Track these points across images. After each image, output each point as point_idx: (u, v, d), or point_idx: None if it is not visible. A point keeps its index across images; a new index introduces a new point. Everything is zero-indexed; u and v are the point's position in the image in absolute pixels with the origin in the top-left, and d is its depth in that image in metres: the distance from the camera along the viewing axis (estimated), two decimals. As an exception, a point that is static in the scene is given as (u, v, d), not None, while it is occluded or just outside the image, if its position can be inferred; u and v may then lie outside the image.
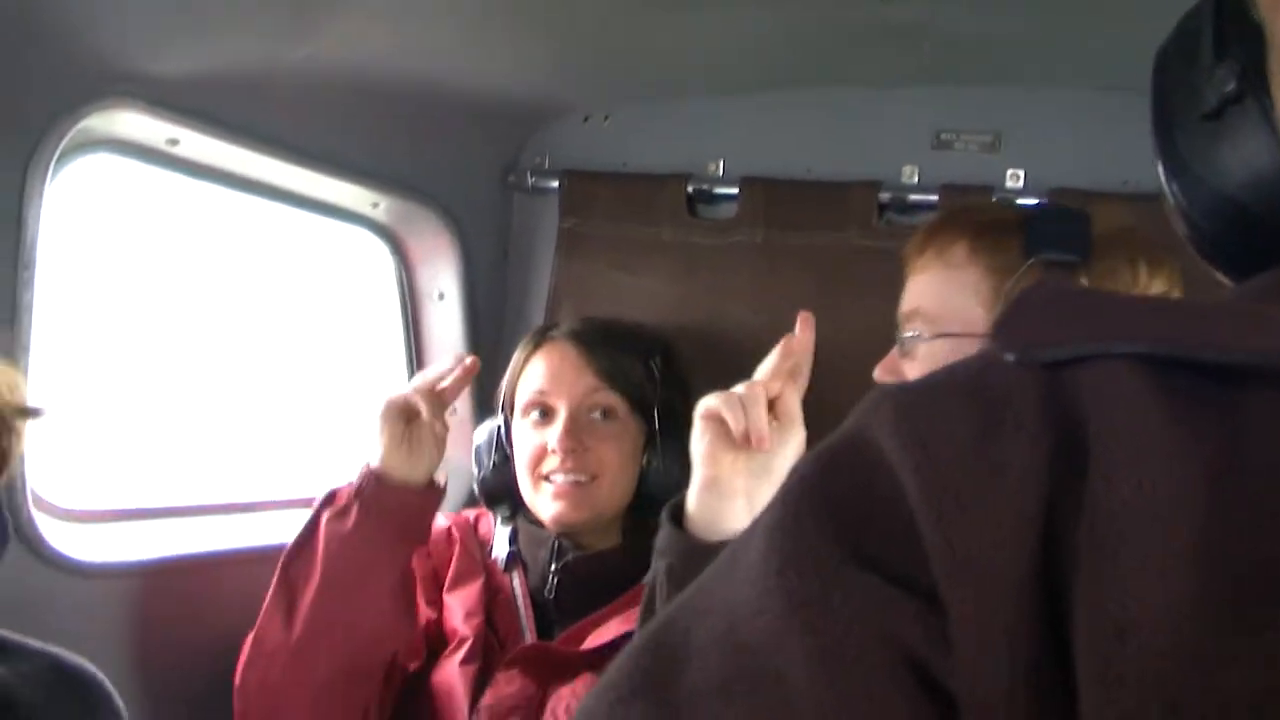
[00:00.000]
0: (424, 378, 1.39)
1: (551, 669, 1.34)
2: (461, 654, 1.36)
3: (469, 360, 1.38)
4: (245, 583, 1.37)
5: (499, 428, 1.51)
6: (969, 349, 1.10)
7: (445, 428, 1.37)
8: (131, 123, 1.20)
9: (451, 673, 1.36)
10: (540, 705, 1.32)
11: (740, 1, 1.34)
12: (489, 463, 1.50)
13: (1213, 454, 0.35)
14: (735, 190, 1.63)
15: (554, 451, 1.40)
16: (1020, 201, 1.56)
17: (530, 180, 1.70)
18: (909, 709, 0.35)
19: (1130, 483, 0.34)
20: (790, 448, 1.11)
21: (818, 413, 1.58)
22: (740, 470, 1.08)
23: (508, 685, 1.33)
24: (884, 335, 1.58)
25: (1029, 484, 0.36)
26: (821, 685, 0.36)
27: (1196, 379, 0.37)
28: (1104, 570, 0.34)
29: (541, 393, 1.44)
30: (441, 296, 1.68)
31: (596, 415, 1.44)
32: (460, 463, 1.70)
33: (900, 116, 1.62)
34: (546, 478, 1.42)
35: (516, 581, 1.44)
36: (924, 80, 1.60)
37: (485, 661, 1.36)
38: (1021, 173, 1.58)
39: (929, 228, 1.19)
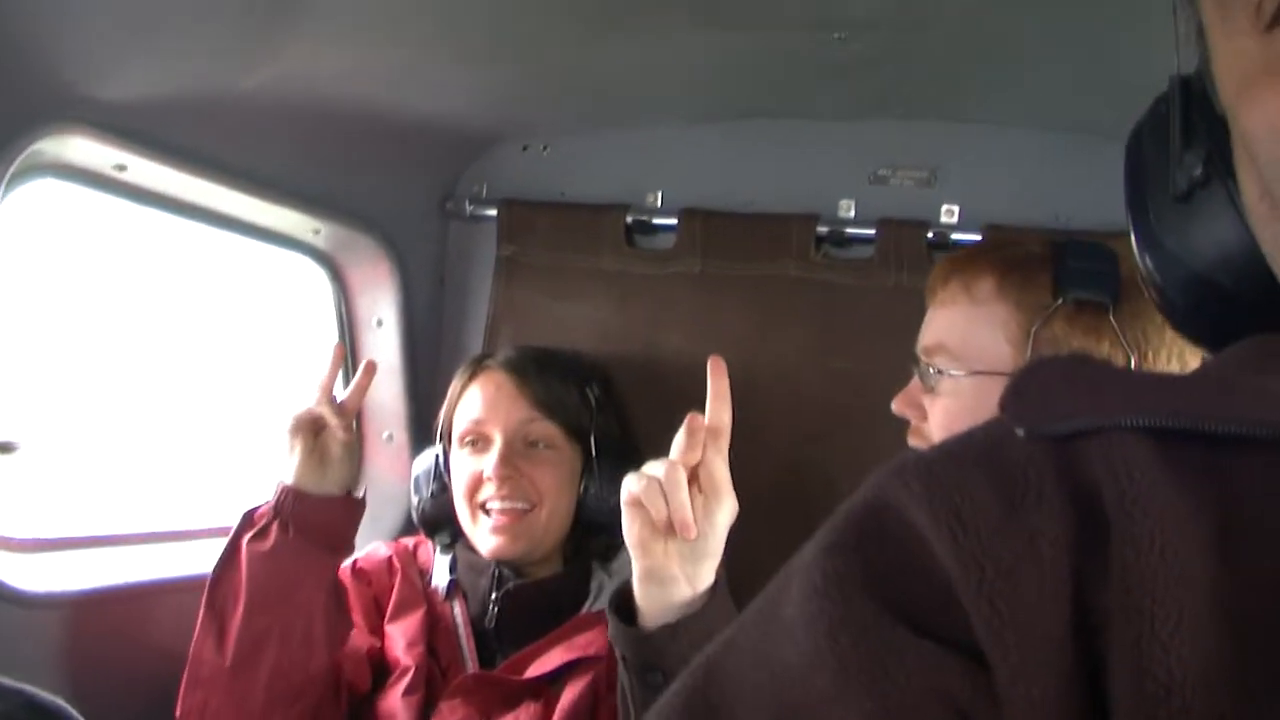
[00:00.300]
0: (321, 388, 1.39)
1: (494, 698, 1.34)
2: (404, 684, 1.35)
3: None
4: (184, 611, 1.35)
5: (437, 457, 1.50)
6: (995, 388, 1.08)
7: (351, 435, 1.38)
8: (81, 148, 1.18)
9: (394, 703, 1.35)
10: None
11: (681, 35, 1.35)
12: (427, 492, 1.50)
13: (1217, 521, 0.38)
14: (674, 221, 1.64)
15: (489, 479, 1.40)
16: (956, 237, 1.58)
17: (468, 208, 1.70)
18: None
19: (1155, 551, 0.37)
20: (721, 520, 1.09)
21: (754, 442, 1.60)
22: (674, 556, 1.06)
23: (451, 715, 1.32)
24: (820, 365, 1.60)
25: (1059, 552, 0.39)
26: None
27: (1193, 449, 0.40)
28: (1142, 632, 0.36)
29: (477, 422, 1.44)
30: (380, 324, 1.67)
31: (532, 443, 1.44)
32: (398, 489, 1.69)
33: (838, 151, 1.63)
34: (484, 508, 1.42)
35: (457, 610, 1.43)
36: (862, 115, 1.61)
37: (428, 691, 1.36)
38: (956, 208, 1.60)
39: (955, 260, 1.18)
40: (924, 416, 1.16)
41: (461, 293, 1.73)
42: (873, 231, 1.59)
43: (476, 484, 1.42)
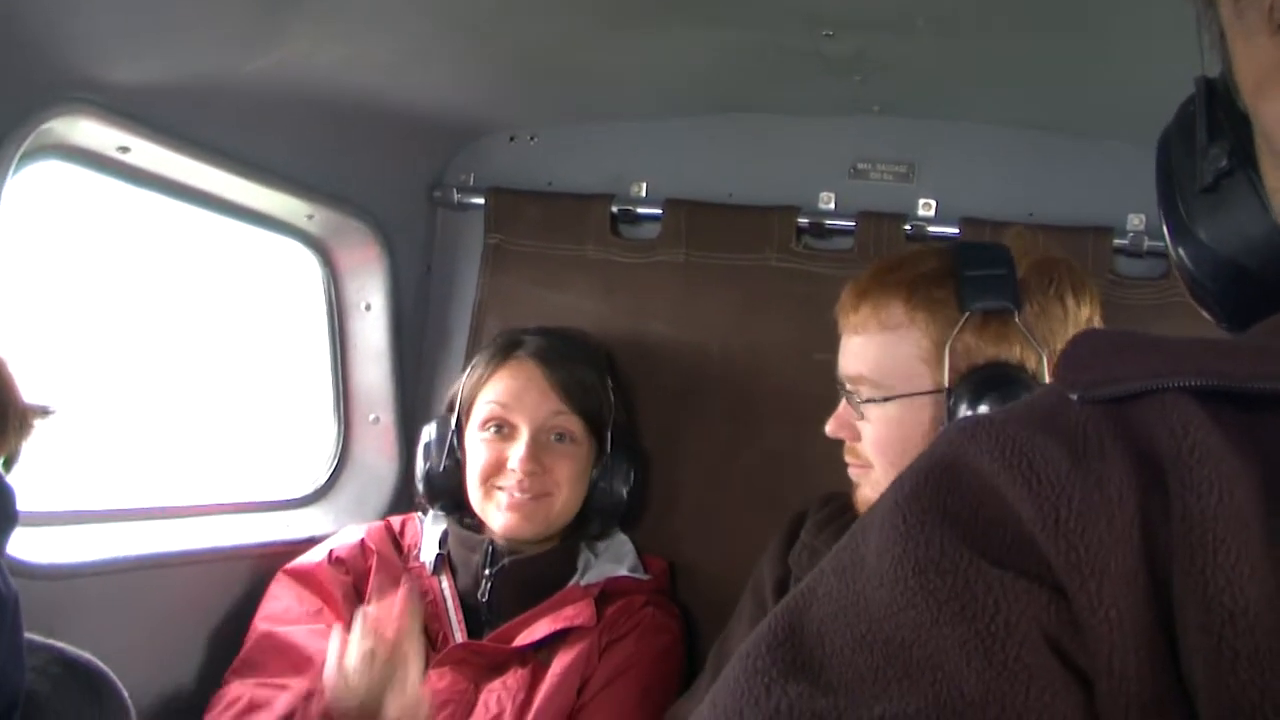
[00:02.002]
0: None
1: (483, 666, 1.39)
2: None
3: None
4: (186, 585, 1.40)
5: (452, 432, 1.53)
6: (920, 406, 1.15)
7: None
8: (87, 129, 1.20)
9: None
10: (472, 699, 1.37)
11: (671, 29, 1.38)
12: (439, 463, 1.53)
13: (1260, 474, 0.42)
14: (658, 211, 1.67)
15: (513, 470, 1.45)
16: (933, 230, 1.62)
17: (456, 196, 1.72)
18: (1059, 679, 0.41)
19: (1214, 496, 0.41)
20: None
21: (736, 428, 1.64)
22: None
23: (439, 681, 1.36)
24: (799, 351, 1.64)
25: (1126, 495, 0.43)
26: (980, 664, 0.41)
27: (1236, 408, 0.45)
28: (1207, 565, 0.40)
29: (505, 408, 1.48)
30: (368, 308, 1.69)
31: (556, 436, 1.49)
32: (384, 471, 1.72)
33: (819, 145, 1.67)
34: (498, 489, 1.47)
35: (445, 584, 1.47)
36: (843, 110, 1.65)
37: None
38: (933, 202, 1.65)
39: (860, 287, 1.20)
40: (857, 437, 1.20)
41: (448, 279, 1.76)
42: (852, 224, 1.63)
43: (496, 469, 1.47)
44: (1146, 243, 1.58)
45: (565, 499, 1.50)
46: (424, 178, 1.73)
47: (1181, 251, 0.59)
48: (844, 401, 1.22)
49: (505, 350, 1.52)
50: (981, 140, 1.65)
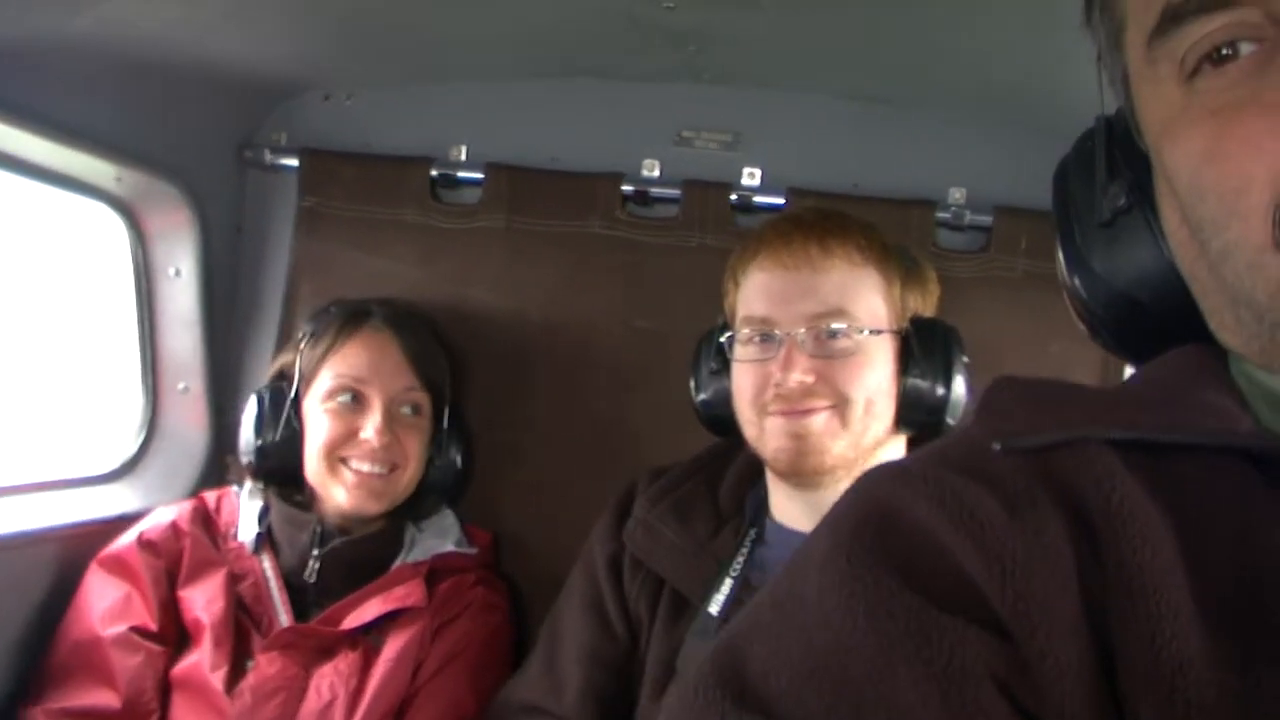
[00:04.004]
0: None
1: (313, 649, 1.34)
2: (209, 641, 1.33)
3: None
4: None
5: (289, 401, 1.46)
6: (884, 347, 1.17)
7: None
8: None
9: (202, 661, 1.33)
10: (303, 685, 1.32)
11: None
12: (273, 436, 1.45)
13: (1174, 522, 0.44)
14: (480, 176, 1.63)
15: (367, 440, 1.41)
16: (759, 200, 1.61)
17: (268, 157, 1.65)
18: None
19: (1148, 550, 0.44)
20: None
21: (562, 395, 1.62)
22: None
23: (269, 666, 1.32)
24: (625, 322, 1.62)
25: (1061, 545, 0.45)
26: (936, 705, 0.42)
27: (1145, 455, 0.47)
28: (1151, 615, 0.42)
29: (358, 380, 1.44)
30: (177, 273, 1.61)
31: (406, 410, 1.46)
32: (195, 443, 1.65)
33: (644, 112, 1.65)
34: (344, 462, 1.42)
35: (268, 564, 1.41)
36: (667, 78, 1.63)
37: (237, 645, 1.34)
38: (758, 171, 1.64)
39: (822, 225, 1.19)
40: (824, 377, 1.15)
41: (260, 243, 1.69)
42: (677, 192, 1.62)
43: (343, 440, 1.42)
44: (968, 216, 1.60)
45: (411, 474, 1.47)
46: (234, 138, 1.66)
47: (1076, 281, 0.61)
48: (793, 350, 1.15)
49: (355, 319, 1.47)
50: (808, 111, 1.65)
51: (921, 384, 1.19)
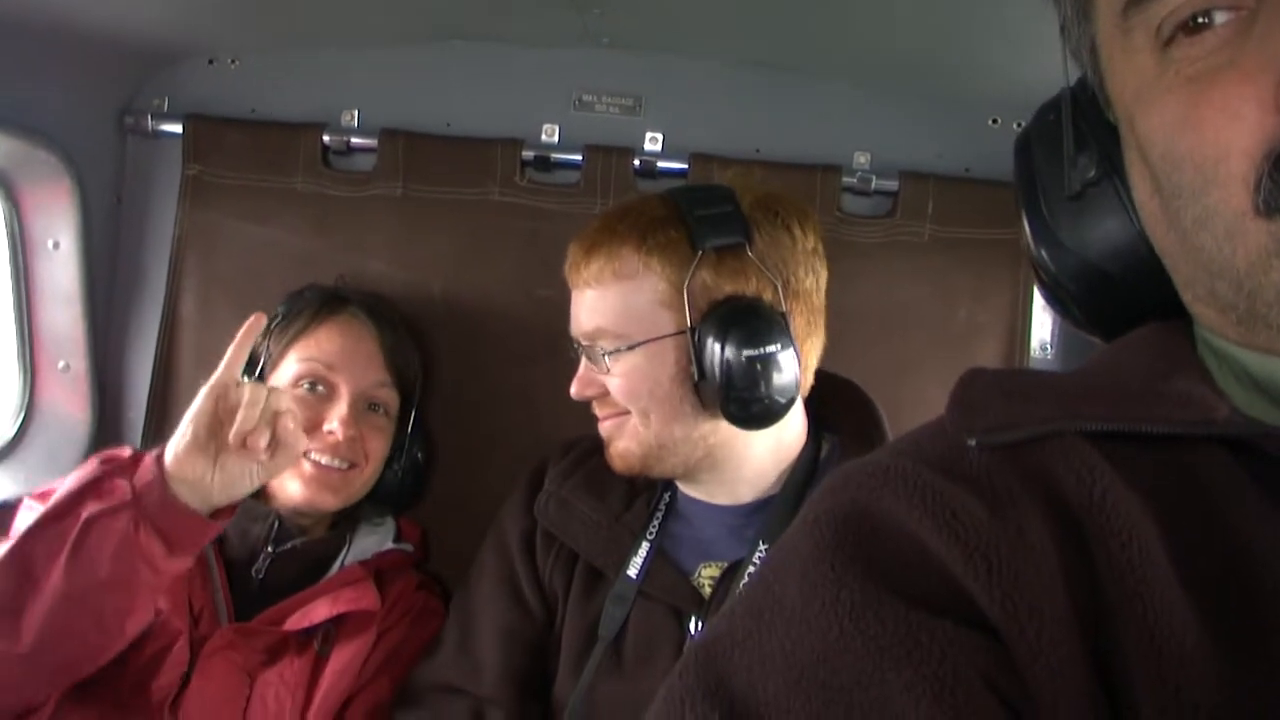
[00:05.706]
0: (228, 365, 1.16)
1: (258, 651, 1.25)
2: (152, 639, 1.20)
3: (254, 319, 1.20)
4: None
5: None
6: (665, 352, 1.13)
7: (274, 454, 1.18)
8: None
9: (147, 657, 1.20)
10: (247, 689, 1.23)
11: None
12: None
13: (1154, 510, 0.44)
14: (373, 142, 1.59)
15: (330, 432, 1.33)
16: (662, 165, 1.59)
17: (150, 123, 1.59)
18: (999, 718, 0.42)
19: (1134, 544, 0.44)
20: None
21: (462, 364, 1.57)
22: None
23: (214, 670, 1.22)
24: (525, 290, 1.58)
25: (1046, 543, 0.45)
26: (929, 706, 0.42)
27: (1123, 445, 0.47)
28: (1142, 607, 0.42)
29: (328, 367, 1.35)
30: (56, 246, 1.54)
31: (373, 406, 1.39)
32: (75, 423, 1.58)
33: (542, 76, 1.62)
34: (304, 453, 1.31)
35: (211, 553, 1.30)
36: (566, 42, 1.60)
37: (186, 640, 1.22)
38: (660, 136, 1.62)
39: (588, 241, 1.17)
40: (604, 391, 1.18)
41: (141, 214, 1.62)
42: (579, 157, 1.59)
43: (307, 429, 1.30)
44: (874, 182, 1.59)
45: (368, 476, 1.38)
46: (114, 103, 1.59)
47: (1044, 253, 0.60)
48: (584, 361, 1.20)
49: (331, 304, 1.39)
50: (710, 76, 1.63)
51: (707, 383, 1.12)
